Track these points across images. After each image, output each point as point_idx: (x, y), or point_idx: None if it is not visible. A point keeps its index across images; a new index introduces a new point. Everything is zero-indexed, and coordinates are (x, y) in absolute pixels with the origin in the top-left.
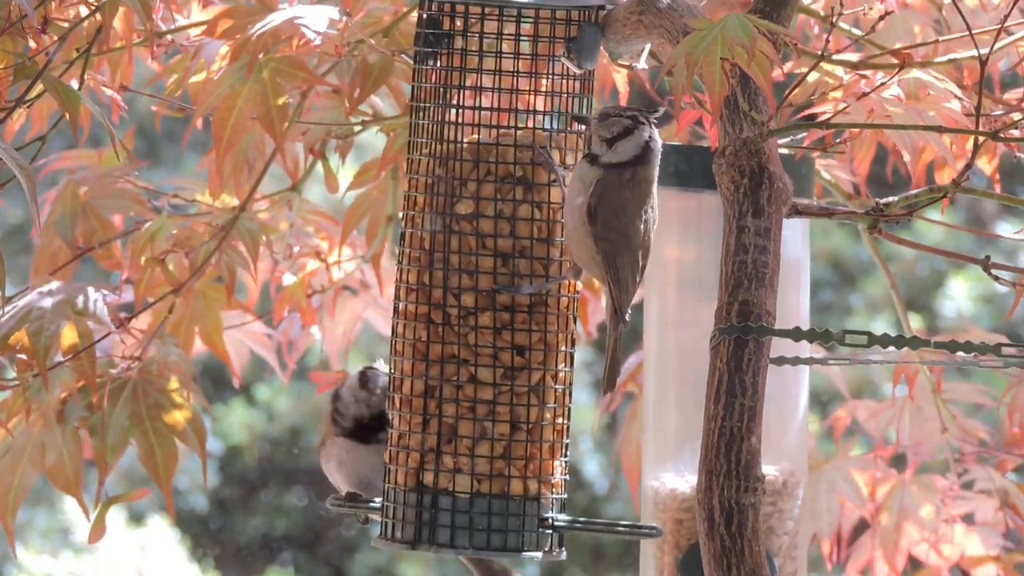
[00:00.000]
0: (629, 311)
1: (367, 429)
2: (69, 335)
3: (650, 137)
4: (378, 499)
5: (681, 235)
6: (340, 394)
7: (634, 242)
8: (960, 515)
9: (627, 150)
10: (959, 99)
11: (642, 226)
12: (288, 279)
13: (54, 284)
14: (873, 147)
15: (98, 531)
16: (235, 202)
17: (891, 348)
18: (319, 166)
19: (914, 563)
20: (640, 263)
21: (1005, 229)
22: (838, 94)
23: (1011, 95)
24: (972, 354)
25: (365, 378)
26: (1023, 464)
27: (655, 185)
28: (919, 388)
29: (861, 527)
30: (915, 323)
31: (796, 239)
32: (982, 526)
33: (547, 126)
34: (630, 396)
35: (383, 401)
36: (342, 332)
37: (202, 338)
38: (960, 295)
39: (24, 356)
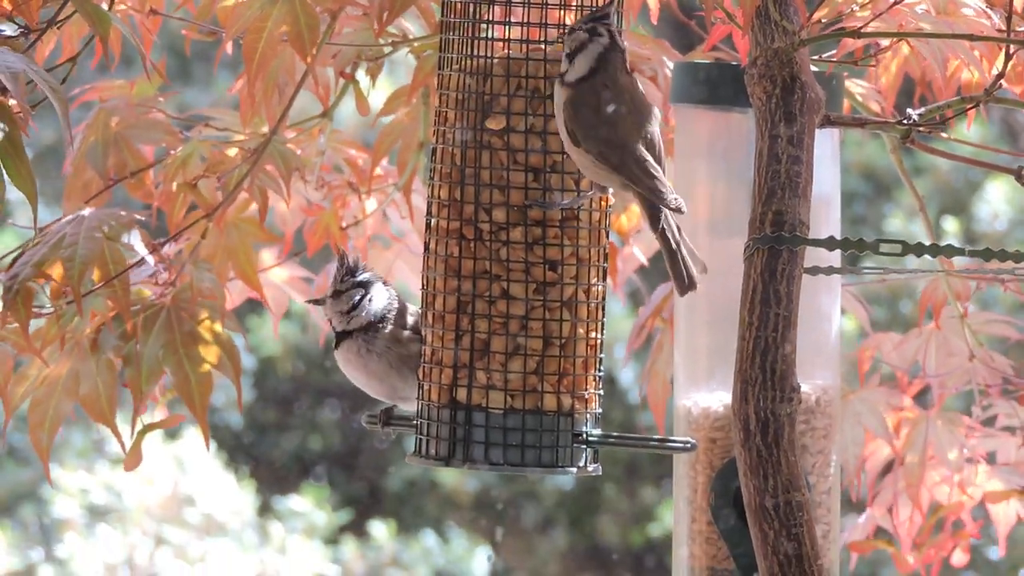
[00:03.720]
0: (673, 196)
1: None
2: (103, 261)
3: (605, 47)
4: (410, 400)
5: (710, 154)
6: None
7: (631, 143)
8: (983, 454)
9: (584, 64)
10: (987, 14)
11: (635, 125)
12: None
13: (87, 211)
14: (901, 76)
15: (134, 459)
16: (266, 128)
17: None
18: (351, 89)
19: (935, 506)
20: (647, 156)
21: None
22: (866, 14)
23: None
24: (1006, 262)
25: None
26: None
27: (637, 81)
28: (945, 320)
29: (886, 468)
30: (952, 227)
31: (826, 159)
32: (1004, 466)
33: None
34: (658, 327)
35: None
36: None
37: (236, 272)
38: (997, 199)
39: (56, 281)
